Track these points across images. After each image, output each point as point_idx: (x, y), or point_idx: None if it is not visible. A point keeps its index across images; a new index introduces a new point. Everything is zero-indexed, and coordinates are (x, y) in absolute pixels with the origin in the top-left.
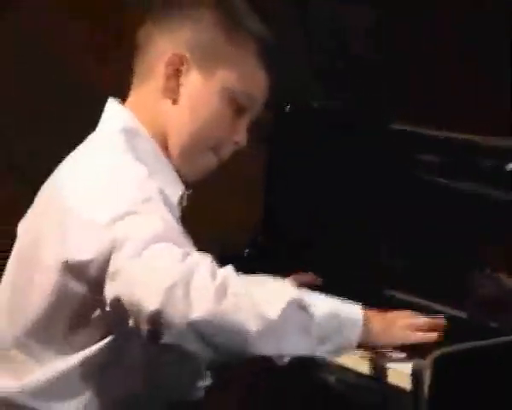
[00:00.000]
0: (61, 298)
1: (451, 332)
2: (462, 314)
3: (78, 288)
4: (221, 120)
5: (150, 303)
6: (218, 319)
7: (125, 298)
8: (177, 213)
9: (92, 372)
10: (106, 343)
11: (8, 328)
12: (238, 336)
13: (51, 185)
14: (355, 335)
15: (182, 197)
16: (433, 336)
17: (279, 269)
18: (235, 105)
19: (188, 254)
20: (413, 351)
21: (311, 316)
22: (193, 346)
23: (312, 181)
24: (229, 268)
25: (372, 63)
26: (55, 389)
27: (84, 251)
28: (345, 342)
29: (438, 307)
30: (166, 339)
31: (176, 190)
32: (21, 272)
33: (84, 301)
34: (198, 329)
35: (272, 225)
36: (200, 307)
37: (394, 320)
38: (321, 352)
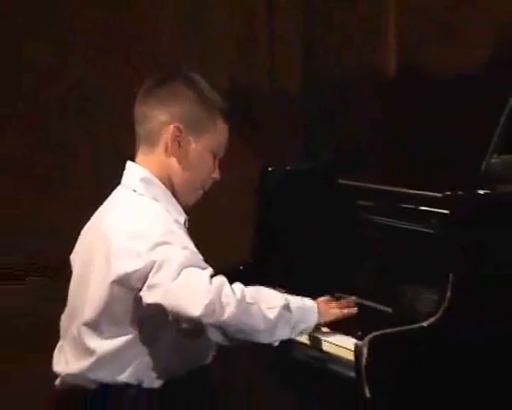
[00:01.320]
0: (107, 302)
1: (382, 321)
2: (389, 310)
3: (121, 292)
4: (207, 167)
5: (193, 313)
6: (238, 323)
7: (167, 306)
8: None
9: (135, 349)
10: (140, 330)
11: (71, 326)
12: (251, 333)
13: (94, 226)
14: (313, 320)
15: (185, 221)
16: (354, 311)
17: (264, 280)
18: (213, 154)
19: (211, 276)
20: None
21: (290, 313)
22: (218, 338)
23: (288, 218)
24: (239, 284)
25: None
26: (113, 363)
27: (129, 267)
28: (307, 326)
29: (374, 305)
30: (200, 333)
31: (182, 217)
32: (77, 288)
33: (125, 301)
34: (225, 329)
35: (259, 252)
36: (227, 315)
37: (328, 303)
38: (292, 335)
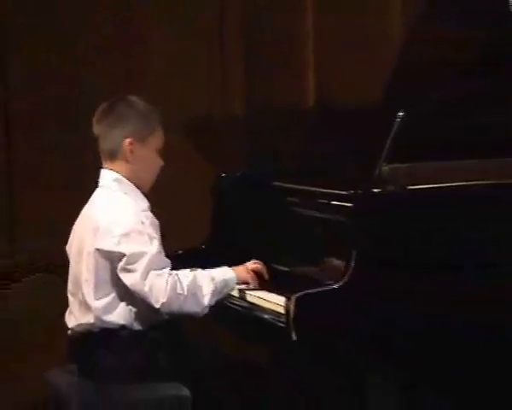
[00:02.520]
0: (95, 267)
1: (305, 284)
2: (311, 275)
3: (102, 261)
4: (154, 161)
5: (154, 305)
6: (183, 310)
7: (136, 291)
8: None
9: (118, 304)
10: (120, 291)
11: (78, 293)
12: (192, 313)
13: (84, 219)
14: (233, 284)
15: (149, 206)
16: (265, 277)
17: (219, 256)
18: (157, 151)
19: (169, 275)
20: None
21: (217, 288)
22: (168, 315)
23: (236, 210)
24: (186, 279)
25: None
26: (104, 314)
27: (106, 245)
28: (228, 290)
29: (299, 272)
30: (156, 310)
31: (146, 204)
32: (75, 265)
33: (106, 268)
34: (175, 312)
35: (216, 234)
36: (177, 307)
37: (244, 269)
38: (219, 299)
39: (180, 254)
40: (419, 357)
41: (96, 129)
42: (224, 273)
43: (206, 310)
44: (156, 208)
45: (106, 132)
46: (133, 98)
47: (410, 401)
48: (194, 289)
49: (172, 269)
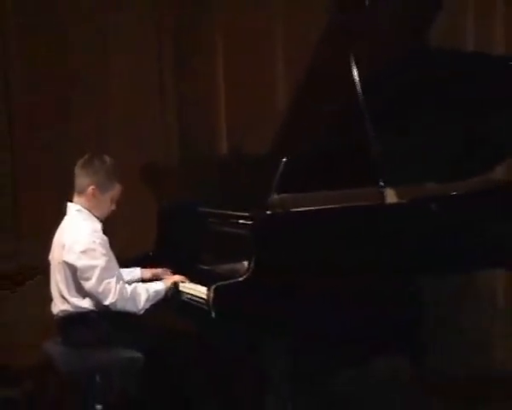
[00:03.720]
0: (65, 276)
1: (220, 278)
2: (224, 272)
3: (68, 271)
4: (108, 206)
5: (105, 303)
6: (125, 308)
7: (94, 294)
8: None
9: (86, 298)
10: (85, 292)
11: (57, 289)
12: (132, 312)
13: (57, 239)
14: (163, 292)
15: (101, 227)
16: (183, 281)
17: (162, 259)
18: (111, 200)
19: (117, 283)
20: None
21: (150, 296)
22: (113, 310)
23: (174, 229)
24: (129, 288)
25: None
26: (78, 304)
27: (70, 259)
28: (160, 297)
29: (217, 270)
30: (106, 307)
31: (100, 226)
32: (54, 271)
33: (71, 277)
34: (118, 309)
35: (160, 245)
36: (121, 306)
37: (171, 277)
38: (153, 303)
39: (135, 258)
40: (296, 329)
41: (76, 171)
42: (156, 286)
43: (142, 312)
44: (117, 227)
45: (81, 176)
46: (106, 158)
47: (293, 361)
48: (134, 295)
49: (129, 266)
